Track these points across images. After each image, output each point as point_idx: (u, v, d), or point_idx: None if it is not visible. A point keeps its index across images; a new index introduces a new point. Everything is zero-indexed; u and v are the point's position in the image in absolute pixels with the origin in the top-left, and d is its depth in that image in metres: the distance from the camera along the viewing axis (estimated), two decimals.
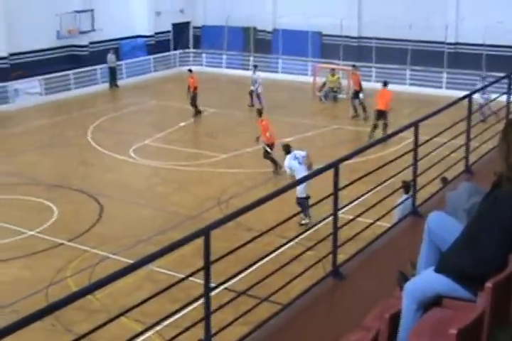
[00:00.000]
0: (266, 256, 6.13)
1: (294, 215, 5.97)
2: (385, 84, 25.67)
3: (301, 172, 15.99)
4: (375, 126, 24.59)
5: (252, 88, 30.30)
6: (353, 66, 29.74)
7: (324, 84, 32.10)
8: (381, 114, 24.71)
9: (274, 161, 20.96)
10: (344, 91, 31.66)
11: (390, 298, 4.41)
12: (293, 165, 16.65)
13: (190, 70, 29.92)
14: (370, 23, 35.80)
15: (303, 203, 15.56)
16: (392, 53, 34.39)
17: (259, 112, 22.58)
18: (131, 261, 5.54)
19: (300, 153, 17.03)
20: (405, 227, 7.51)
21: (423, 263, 4.55)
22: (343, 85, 31.75)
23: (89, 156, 23.28)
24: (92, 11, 34.44)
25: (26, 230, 16.75)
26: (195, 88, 28.38)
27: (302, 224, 15.96)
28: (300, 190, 15.85)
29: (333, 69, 32.00)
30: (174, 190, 19.84)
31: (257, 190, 18.68)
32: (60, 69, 32.50)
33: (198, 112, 28.33)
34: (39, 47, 32.84)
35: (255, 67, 32.47)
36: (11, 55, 31.22)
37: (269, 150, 21.20)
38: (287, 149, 17.29)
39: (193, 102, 28.28)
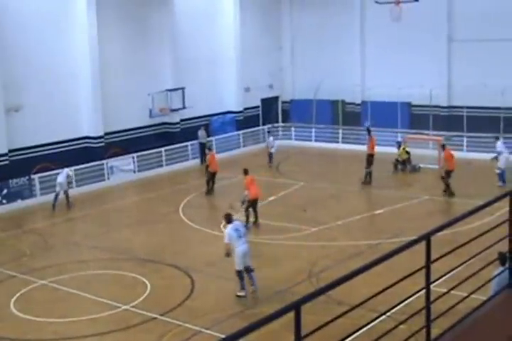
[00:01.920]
0: (357, 330, 6.03)
1: (386, 288, 5.88)
2: (444, 146, 27.70)
3: (240, 244, 16.83)
4: (448, 185, 26.49)
5: (271, 150, 33.97)
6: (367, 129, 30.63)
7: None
8: (450, 174, 26.55)
9: (248, 216, 22.98)
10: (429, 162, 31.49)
11: None
12: (232, 236, 16.89)
13: (209, 148, 30.81)
14: (460, 92, 35.69)
15: (239, 275, 16.93)
16: (484, 122, 34.05)
17: (246, 171, 24.02)
18: (223, 336, 5.54)
19: (240, 225, 17.38)
20: (502, 301, 7.27)
21: None
22: (432, 156, 31.52)
23: (181, 232, 23.60)
24: (182, 89, 35.54)
25: (120, 304, 16.97)
26: (209, 166, 28.87)
27: (238, 296, 17.00)
28: (237, 262, 16.94)
29: (398, 142, 31.94)
30: (264, 263, 19.81)
31: (347, 263, 18.53)
32: (153, 146, 33.49)
33: (208, 190, 28.63)
34: (132, 126, 34.01)
35: (269, 132, 35.99)
36: (107, 134, 32.38)
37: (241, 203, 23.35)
38: (228, 219, 17.38)
39: (208, 179, 28.70)
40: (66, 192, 27.15)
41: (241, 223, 17.89)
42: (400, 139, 33.64)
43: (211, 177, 28.65)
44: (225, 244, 17.13)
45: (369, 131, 30.46)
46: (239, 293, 17.10)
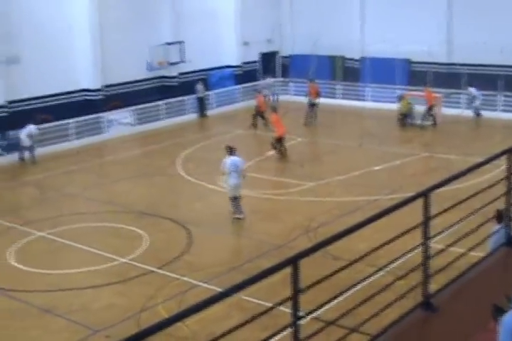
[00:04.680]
0: (356, 284, 6.06)
1: (384, 244, 5.88)
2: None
3: (232, 178, 18.93)
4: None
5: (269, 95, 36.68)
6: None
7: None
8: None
9: (279, 150, 25.83)
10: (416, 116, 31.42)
11: (484, 331, 4.28)
12: (227, 169, 19.04)
13: (259, 91, 33.99)
14: (459, 49, 35.34)
15: (232, 201, 19.26)
16: (483, 79, 33.79)
17: (274, 108, 27.13)
18: (220, 289, 5.56)
19: (237, 162, 19.08)
20: (499, 258, 7.31)
21: None
22: (416, 110, 31.39)
23: (179, 185, 23.63)
24: (181, 42, 35.20)
25: (119, 257, 17.08)
26: (261, 107, 31.78)
27: (237, 218, 19.36)
28: (229, 192, 19.31)
29: (402, 96, 31.88)
30: (263, 218, 19.91)
31: (345, 219, 18.59)
32: (151, 99, 33.30)
33: (253, 125, 31.55)
34: (131, 79, 33.76)
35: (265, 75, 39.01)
36: (105, 86, 32.16)
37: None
38: (230, 151, 19.29)
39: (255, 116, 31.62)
40: (31, 149, 26.97)
41: (241, 160, 19.31)
42: (399, 93, 33.37)
43: (257, 114, 31.56)
44: (221, 171, 19.55)
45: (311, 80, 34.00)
46: (237, 216, 19.29)
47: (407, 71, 37.34)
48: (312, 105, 32.41)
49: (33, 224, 19.74)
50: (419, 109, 31.23)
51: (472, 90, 32.43)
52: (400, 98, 31.93)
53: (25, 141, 26.85)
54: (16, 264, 16.93)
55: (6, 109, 28.28)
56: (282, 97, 38.89)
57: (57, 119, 28.73)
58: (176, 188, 23.45)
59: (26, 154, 27.08)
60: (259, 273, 4.66)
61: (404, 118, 31.29)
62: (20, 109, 29.00)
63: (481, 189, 7.30)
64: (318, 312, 5.71)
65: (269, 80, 38.25)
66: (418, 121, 31.02)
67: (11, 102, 28.59)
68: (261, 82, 38.42)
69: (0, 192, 23.38)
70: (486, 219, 7.90)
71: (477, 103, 32.18)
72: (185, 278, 15.76)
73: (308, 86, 33.50)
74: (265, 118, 31.24)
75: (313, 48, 38.85)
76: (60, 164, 26.62)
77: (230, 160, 19.09)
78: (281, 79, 41.10)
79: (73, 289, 15.54)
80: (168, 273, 16.10)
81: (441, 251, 6.70)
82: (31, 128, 27.04)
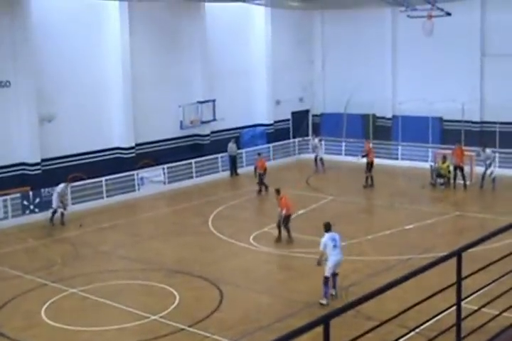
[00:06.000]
0: None
1: (416, 304, 5.85)
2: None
3: (334, 254, 17.39)
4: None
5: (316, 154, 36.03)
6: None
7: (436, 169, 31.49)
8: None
9: (288, 231, 23.08)
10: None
11: None
12: (328, 245, 17.38)
13: (259, 154, 33.08)
14: (492, 107, 35.41)
15: (325, 282, 17.21)
16: None
17: (278, 190, 23.78)
18: None
19: (337, 236, 17.59)
20: None
21: None
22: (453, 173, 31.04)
23: (211, 243, 23.64)
24: (213, 101, 35.72)
25: (149, 315, 17.04)
26: (265, 169, 31.15)
27: (321, 303, 17.05)
28: (327, 270, 17.39)
29: (444, 157, 31.34)
30: (293, 277, 19.81)
31: (377, 278, 18.46)
32: (183, 158, 33.65)
33: (260, 190, 30.57)
34: (163, 137, 34.23)
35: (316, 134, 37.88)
36: (137, 145, 32.62)
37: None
38: (328, 227, 17.81)
39: (260, 181, 30.67)
40: (56, 210, 26.42)
41: (338, 234, 17.88)
42: (438, 152, 33.14)
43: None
44: (320, 251, 17.67)
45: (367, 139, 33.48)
46: (321, 301, 17.17)
47: (439, 129, 37.42)
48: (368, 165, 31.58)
49: (66, 281, 19.84)
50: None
51: (488, 152, 30.62)
52: (444, 159, 31.22)
53: (54, 202, 26.56)
54: (48, 321, 16.96)
55: (39, 167, 28.76)
56: (313, 155, 39.09)
57: (90, 177, 29.12)
58: (207, 246, 23.46)
59: (55, 216, 26.52)
60: (289, 332, 4.65)
61: (439, 178, 30.96)
62: (53, 167, 29.47)
63: None
64: None
65: (316, 141, 36.69)
66: (451, 181, 30.82)
67: (44, 160, 29.08)
68: (310, 143, 38.07)
69: (34, 249, 23.62)
70: None
71: (492, 168, 30.31)
72: (215, 337, 15.66)
73: (368, 148, 32.51)
74: (264, 183, 30.50)
75: (344, 107, 39.17)
76: (92, 221, 26.83)
77: (327, 236, 17.59)
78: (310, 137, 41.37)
79: None
80: (198, 331, 16.01)
81: (475, 312, 6.63)
82: (59, 187, 26.83)
